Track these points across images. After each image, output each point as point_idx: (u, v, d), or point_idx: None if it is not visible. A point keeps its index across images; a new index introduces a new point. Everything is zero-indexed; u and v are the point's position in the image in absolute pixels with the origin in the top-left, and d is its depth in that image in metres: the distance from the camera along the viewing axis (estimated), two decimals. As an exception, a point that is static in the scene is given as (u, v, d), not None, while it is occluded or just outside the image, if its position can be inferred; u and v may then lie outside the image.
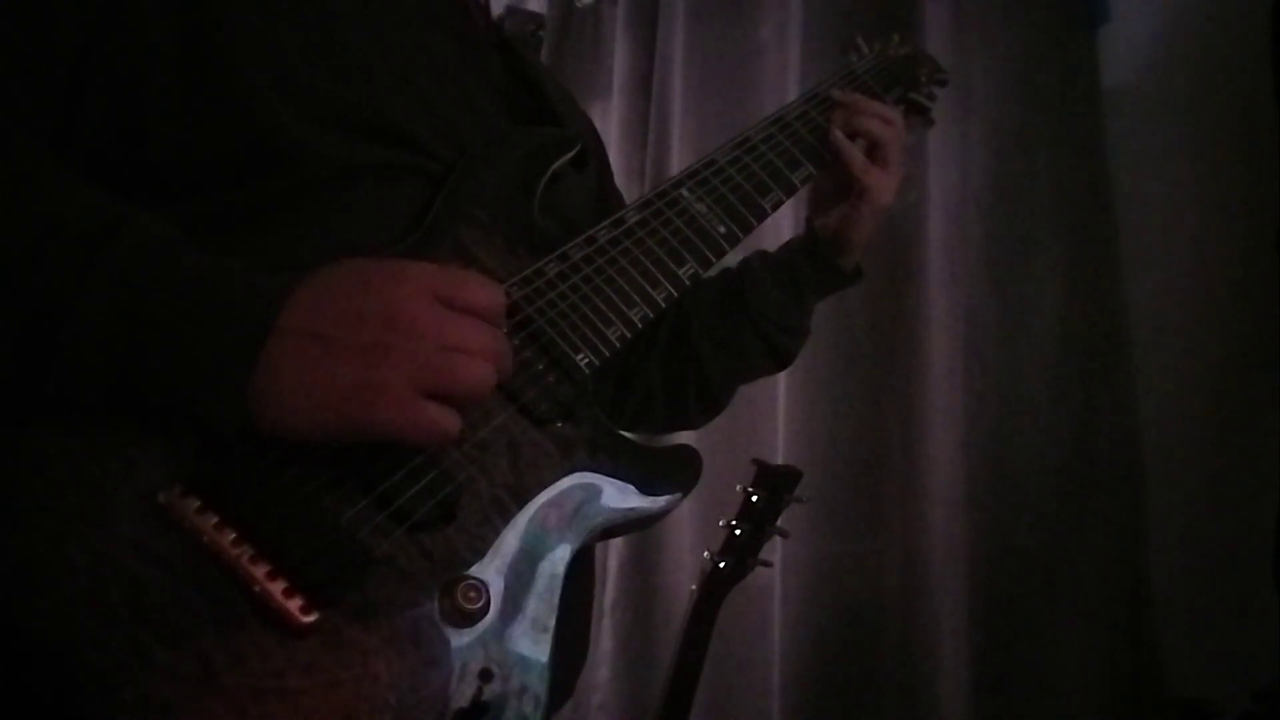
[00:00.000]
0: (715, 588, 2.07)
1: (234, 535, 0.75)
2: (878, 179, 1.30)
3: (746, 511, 2.09)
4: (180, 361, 0.77)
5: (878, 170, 1.30)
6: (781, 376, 2.57)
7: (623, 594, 2.72)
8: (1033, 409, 2.46)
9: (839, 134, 1.29)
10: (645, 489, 0.96)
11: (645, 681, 2.63)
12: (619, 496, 0.94)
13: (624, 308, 1.02)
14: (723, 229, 1.14)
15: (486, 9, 1.24)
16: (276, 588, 0.74)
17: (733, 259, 1.29)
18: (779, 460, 2.41)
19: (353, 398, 0.77)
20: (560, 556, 0.88)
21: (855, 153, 1.29)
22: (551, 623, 0.86)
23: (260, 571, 0.75)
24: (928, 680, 2.37)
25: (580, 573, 0.94)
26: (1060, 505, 2.39)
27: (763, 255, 1.40)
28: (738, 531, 2.07)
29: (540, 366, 0.94)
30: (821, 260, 1.36)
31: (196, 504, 0.76)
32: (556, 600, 0.87)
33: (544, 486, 0.90)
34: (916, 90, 1.47)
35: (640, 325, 1.02)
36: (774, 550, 2.18)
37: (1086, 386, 2.42)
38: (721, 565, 2.06)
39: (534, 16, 2.96)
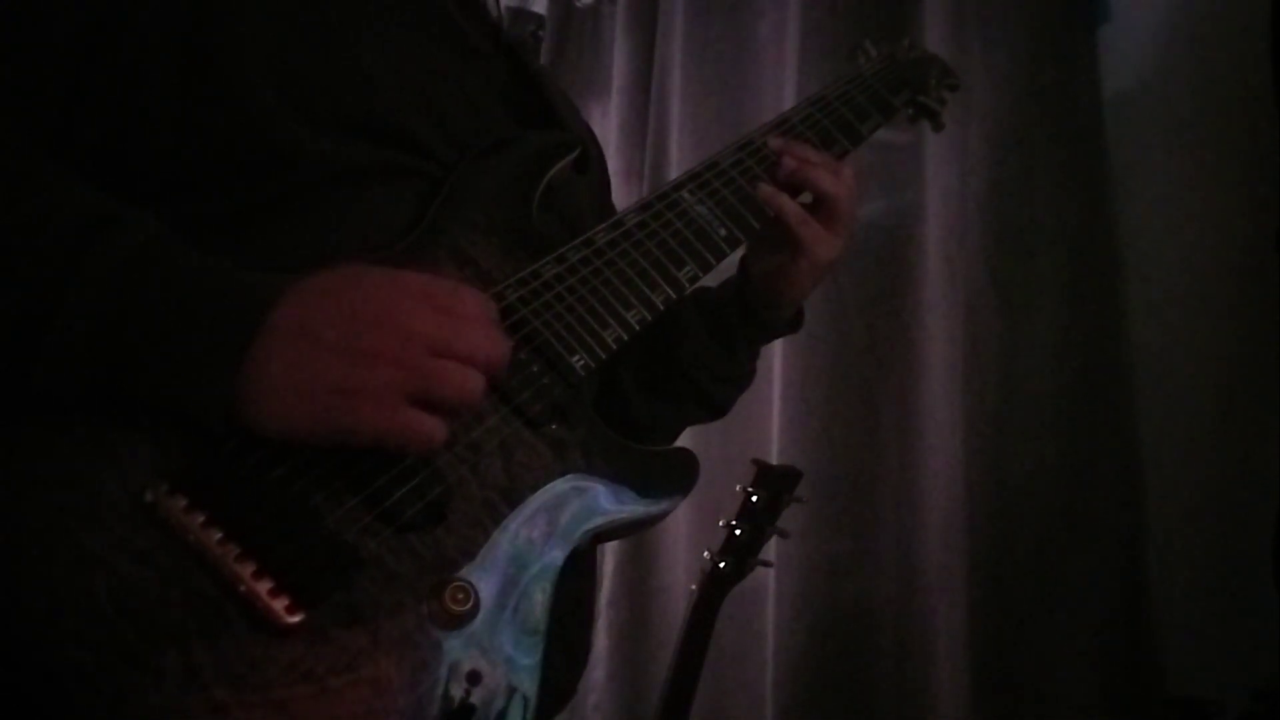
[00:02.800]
0: (715, 588, 2.07)
1: (220, 534, 0.75)
2: (816, 234, 1.18)
3: (746, 512, 2.08)
4: (169, 356, 0.77)
5: (818, 226, 1.18)
6: (777, 375, 2.58)
7: (619, 594, 2.72)
8: (1033, 409, 2.45)
9: (767, 188, 1.17)
10: (641, 492, 0.96)
11: (641, 682, 2.63)
12: (614, 499, 0.94)
13: (621, 310, 1.01)
14: (724, 231, 1.12)
15: (489, 13, 1.24)
16: (262, 587, 0.74)
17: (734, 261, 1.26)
18: (776, 460, 2.40)
19: (337, 399, 0.77)
20: (553, 560, 0.88)
21: (789, 204, 1.17)
22: (543, 626, 0.85)
23: (246, 570, 0.75)
24: (925, 680, 2.37)
25: (579, 576, 0.94)
26: (1060, 505, 2.39)
27: (699, 296, 1.27)
28: (738, 532, 2.07)
29: (535, 368, 0.93)
30: (751, 313, 1.26)
31: (183, 502, 0.76)
32: (549, 603, 0.86)
33: (536, 488, 0.89)
34: (925, 94, 1.45)
35: (638, 328, 1.02)
36: (770, 549, 2.18)
37: (1086, 385, 2.41)
38: (721, 565, 2.06)
39: (534, 17, 2.97)
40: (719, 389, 1.30)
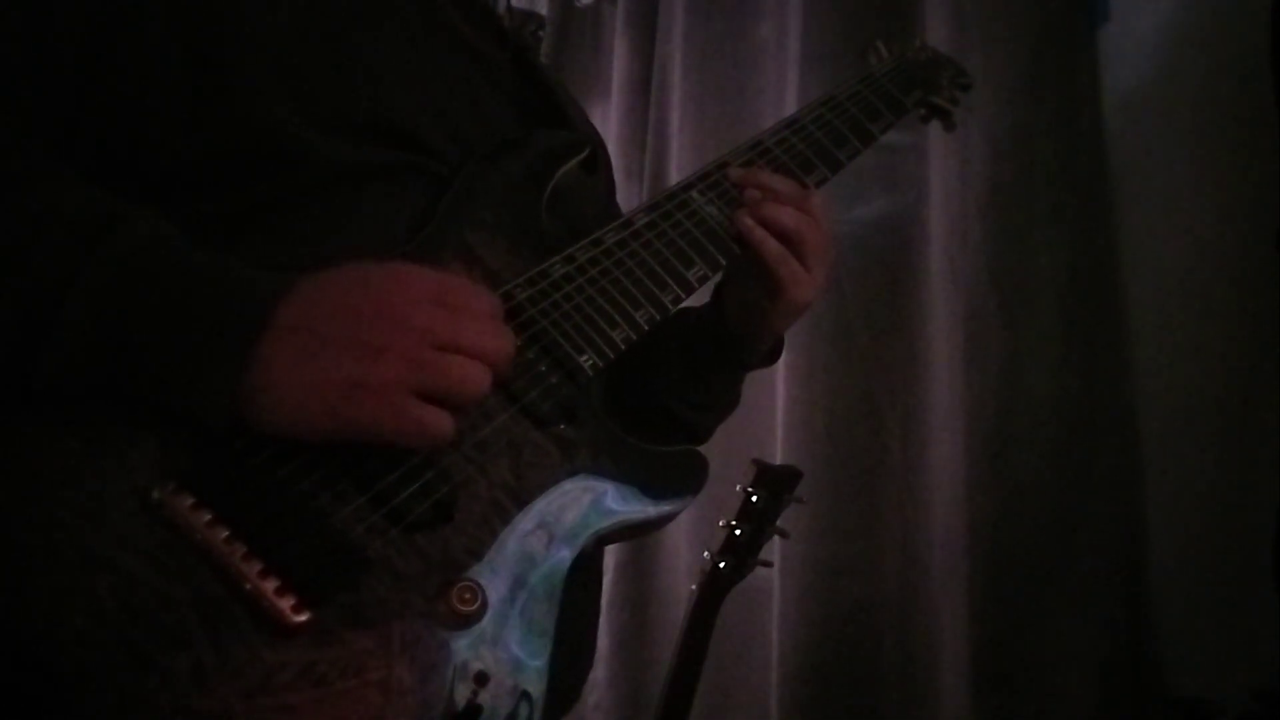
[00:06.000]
0: (715, 588, 2.07)
1: (226, 533, 0.75)
2: (794, 274, 1.11)
3: (746, 512, 2.08)
4: (174, 355, 0.77)
5: (797, 265, 1.11)
6: (780, 376, 2.58)
7: (620, 595, 2.72)
8: (1033, 410, 2.46)
9: (749, 221, 1.10)
10: (649, 493, 0.95)
11: (642, 682, 2.63)
12: (621, 500, 0.93)
13: (630, 309, 1.00)
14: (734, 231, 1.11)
15: (495, 13, 1.24)
16: (269, 586, 0.74)
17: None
18: (778, 460, 2.40)
19: (343, 395, 0.77)
20: (561, 560, 0.87)
21: (769, 241, 1.10)
22: (551, 627, 0.85)
23: (252, 570, 0.74)
24: (926, 680, 2.37)
25: (584, 578, 0.93)
26: (1060, 505, 2.39)
27: (678, 321, 1.15)
28: (738, 532, 2.07)
29: (543, 367, 0.93)
30: (724, 347, 1.22)
31: (190, 501, 0.75)
32: (557, 605, 0.86)
33: (544, 489, 0.89)
34: (937, 93, 1.44)
35: (647, 328, 1.01)
36: (772, 550, 2.18)
37: (1086, 386, 2.42)
38: (721, 565, 2.06)
39: (534, 16, 2.96)
40: (698, 417, 1.27)
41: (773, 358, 1.28)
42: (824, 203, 1.16)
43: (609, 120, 2.95)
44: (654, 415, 1.23)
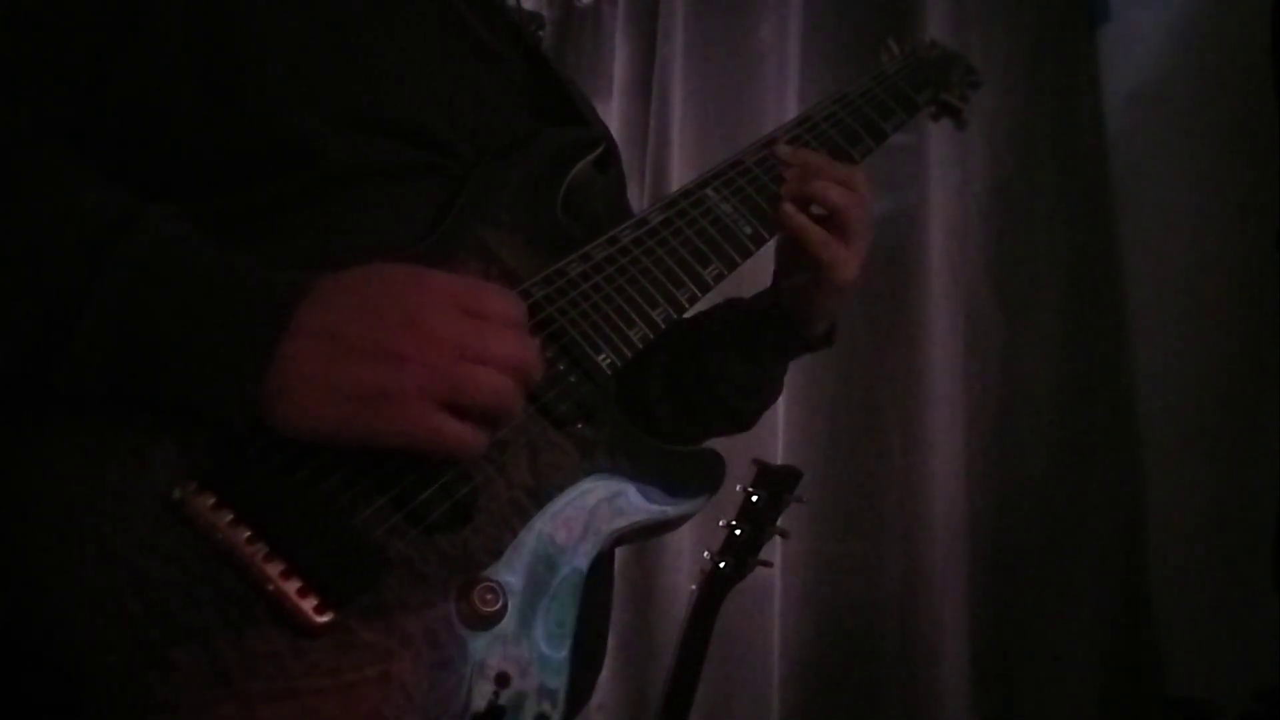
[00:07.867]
0: (715, 588, 2.07)
1: (248, 533, 0.74)
2: (837, 256, 1.12)
3: (746, 511, 2.08)
4: (195, 355, 0.76)
5: (839, 247, 1.12)
6: (781, 376, 2.58)
7: (622, 594, 2.70)
8: (1033, 409, 2.46)
9: (790, 208, 1.12)
10: (667, 492, 0.95)
11: (644, 682, 2.63)
12: (640, 499, 0.93)
13: (647, 308, 1.00)
14: (749, 229, 1.11)
15: (507, 11, 1.23)
16: (291, 587, 0.74)
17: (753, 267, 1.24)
18: (779, 460, 2.40)
19: (366, 403, 0.76)
20: (580, 560, 0.87)
21: (811, 228, 1.12)
22: (571, 627, 0.85)
23: (274, 570, 0.74)
24: (927, 680, 2.37)
25: (599, 578, 0.93)
26: (1060, 504, 2.40)
27: (731, 306, 1.26)
28: (738, 532, 2.07)
29: (561, 367, 0.93)
30: (785, 328, 1.22)
31: (211, 501, 0.75)
32: (576, 604, 0.86)
33: (563, 488, 0.88)
34: (948, 91, 1.44)
35: (664, 326, 1.01)
36: (774, 550, 2.18)
37: (1087, 385, 2.42)
38: (721, 565, 2.06)
39: (534, 16, 2.95)
40: (746, 402, 1.28)
41: (826, 342, 1.28)
42: (865, 178, 1.16)
43: (609, 120, 2.93)
44: (703, 400, 1.24)
